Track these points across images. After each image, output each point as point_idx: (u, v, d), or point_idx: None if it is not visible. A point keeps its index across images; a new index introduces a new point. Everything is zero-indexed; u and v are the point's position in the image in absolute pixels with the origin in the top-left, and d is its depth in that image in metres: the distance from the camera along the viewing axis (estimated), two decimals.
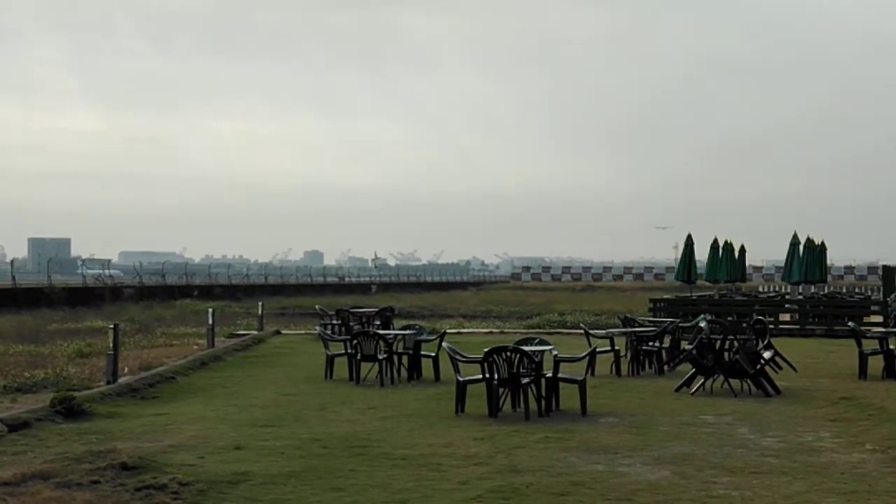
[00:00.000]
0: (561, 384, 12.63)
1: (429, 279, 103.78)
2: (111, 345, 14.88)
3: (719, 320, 22.21)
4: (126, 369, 16.05)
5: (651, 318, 23.85)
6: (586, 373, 13.70)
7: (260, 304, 29.72)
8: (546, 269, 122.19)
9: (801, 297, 32.93)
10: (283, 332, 27.81)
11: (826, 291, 42.76)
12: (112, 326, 15.26)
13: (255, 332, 26.26)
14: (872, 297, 42.10)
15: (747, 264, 38.30)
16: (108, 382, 14.43)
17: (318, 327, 22.13)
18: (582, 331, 19.29)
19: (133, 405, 13.11)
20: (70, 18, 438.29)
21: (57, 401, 11.90)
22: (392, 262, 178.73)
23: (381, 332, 17.45)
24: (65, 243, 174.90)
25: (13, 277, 49.56)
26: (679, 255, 35.28)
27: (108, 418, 11.88)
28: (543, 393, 12.29)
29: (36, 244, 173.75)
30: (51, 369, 16.28)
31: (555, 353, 12.98)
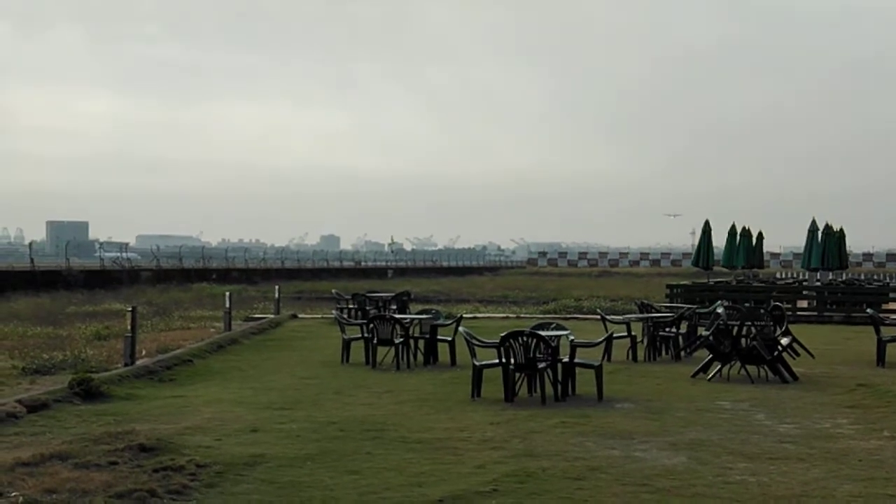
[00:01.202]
0: (577, 369, 12.61)
1: (445, 264, 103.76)
2: (129, 327, 14.95)
3: (737, 306, 22.12)
4: (143, 352, 16.12)
5: (668, 304, 23.79)
6: (603, 358, 13.67)
7: (276, 287, 29.77)
8: (562, 254, 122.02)
9: (818, 283, 32.79)
10: (300, 316, 27.86)
11: (844, 278, 42.53)
12: (130, 309, 15.32)
13: (271, 316, 26.31)
14: (891, 284, 41.87)
15: (765, 251, 38.14)
16: (126, 364, 14.50)
17: (334, 311, 22.16)
18: (598, 316, 19.26)
19: (150, 387, 13.19)
20: (91, 2, 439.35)
21: (75, 382, 11.97)
22: (408, 247, 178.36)
23: (397, 316, 17.45)
24: (83, 226, 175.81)
25: (31, 260, 49.90)
26: (696, 242, 35.18)
27: (125, 400, 11.95)
28: (560, 378, 12.28)
29: (54, 227, 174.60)
30: (69, 351, 16.37)
31: (571, 338, 12.96)
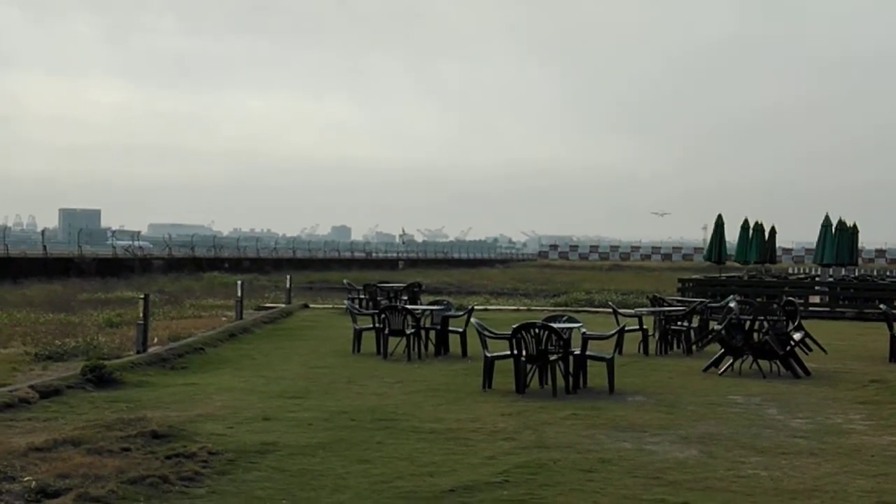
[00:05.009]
0: (589, 362, 12.60)
1: (456, 256, 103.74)
2: (141, 315, 15.00)
3: (749, 301, 22.04)
4: (155, 339, 16.17)
5: (679, 298, 23.73)
6: (614, 351, 13.64)
7: (288, 277, 29.81)
8: (573, 247, 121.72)
9: (831, 279, 32.68)
10: (311, 305, 27.91)
11: (856, 274, 42.35)
12: (142, 297, 15.37)
13: (282, 306, 26.37)
14: None
15: (777, 246, 38.03)
16: (138, 352, 14.55)
17: (346, 301, 22.16)
18: (609, 309, 19.23)
19: (162, 375, 13.22)
20: None
21: (88, 369, 12.02)
22: (419, 239, 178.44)
23: (409, 306, 17.44)
24: (95, 214, 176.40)
25: (44, 247, 50.09)
26: (708, 236, 35.13)
27: (137, 387, 11.98)
28: (571, 370, 12.27)
29: (66, 215, 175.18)
30: (81, 338, 16.42)
31: (583, 330, 12.94)
